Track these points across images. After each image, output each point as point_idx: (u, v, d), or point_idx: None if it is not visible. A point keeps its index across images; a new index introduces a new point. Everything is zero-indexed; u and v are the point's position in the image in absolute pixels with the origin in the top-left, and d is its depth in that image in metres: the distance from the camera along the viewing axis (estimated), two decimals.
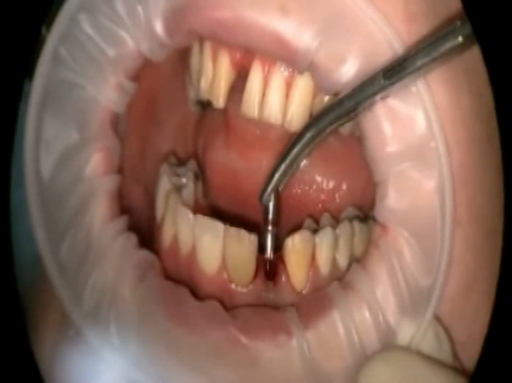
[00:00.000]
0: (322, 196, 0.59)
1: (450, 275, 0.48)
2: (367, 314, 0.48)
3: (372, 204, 0.51)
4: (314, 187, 0.59)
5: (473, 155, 0.48)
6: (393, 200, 0.48)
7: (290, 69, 0.53)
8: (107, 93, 0.51)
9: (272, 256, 0.54)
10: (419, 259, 0.48)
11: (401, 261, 0.48)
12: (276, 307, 0.52)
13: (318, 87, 0.51)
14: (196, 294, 0.52)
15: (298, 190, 0.59)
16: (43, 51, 0.49)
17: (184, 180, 0.59)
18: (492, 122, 0.47)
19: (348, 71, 0.47)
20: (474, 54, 0.45)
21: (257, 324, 0.49)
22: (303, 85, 0.53)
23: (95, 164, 0.51)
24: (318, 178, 0.59)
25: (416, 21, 0.47)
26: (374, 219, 0.51)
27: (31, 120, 0.49)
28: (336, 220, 0.58)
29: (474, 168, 0.48)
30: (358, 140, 0.52)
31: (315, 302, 0.51)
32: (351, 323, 0.48)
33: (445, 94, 0.47)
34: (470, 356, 0.48)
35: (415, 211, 0.48)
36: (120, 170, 0.54)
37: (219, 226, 0.53)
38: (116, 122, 0.53)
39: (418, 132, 0.47)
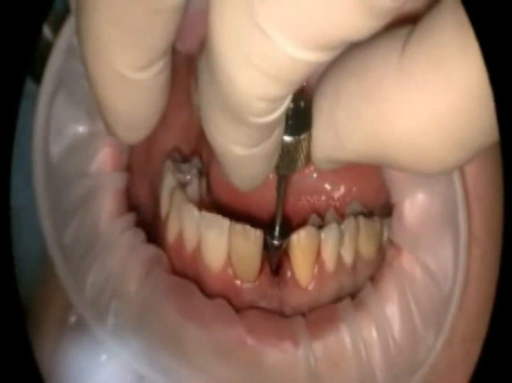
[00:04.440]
0: (332, 203, 0.59)
1: (468, 295, 0.47)
2: (374, 331, 0.48)
3: (383, 204, 0.51)
4: (324, 195, 0.59)
5: (487, 171, 0.48)
6: (408, 223, 0.48)
7: None
8: None
9: None
10: (433, 282, 0.47)
11: (413, 283, 0.48)
12: (282, 313, 0.52)
13: None
14: (202, 290, 0.52)
15: (306, 198, 0.59)
16: (57, 41, 0.48)
17: (188, 177, 0.59)
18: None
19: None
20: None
21: (263, 327, 0.49)
22: None
23: (103, 159, 0.51)
24: (328, 186, 0.59)
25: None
26: (389, 241, 0.51)
27: (42, 108, 0.48)
28: (341, 216, 0.57)
29: (488, 183, 0.48)
30: None
31: (324, 314, 0.51)
32: (358, 338, 0.48)
33: None
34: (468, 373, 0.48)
35: (430, 234, 0.47)
36: (128, 168, 0.54)
37: (224, 222, 0.53)
38: None
39: None
